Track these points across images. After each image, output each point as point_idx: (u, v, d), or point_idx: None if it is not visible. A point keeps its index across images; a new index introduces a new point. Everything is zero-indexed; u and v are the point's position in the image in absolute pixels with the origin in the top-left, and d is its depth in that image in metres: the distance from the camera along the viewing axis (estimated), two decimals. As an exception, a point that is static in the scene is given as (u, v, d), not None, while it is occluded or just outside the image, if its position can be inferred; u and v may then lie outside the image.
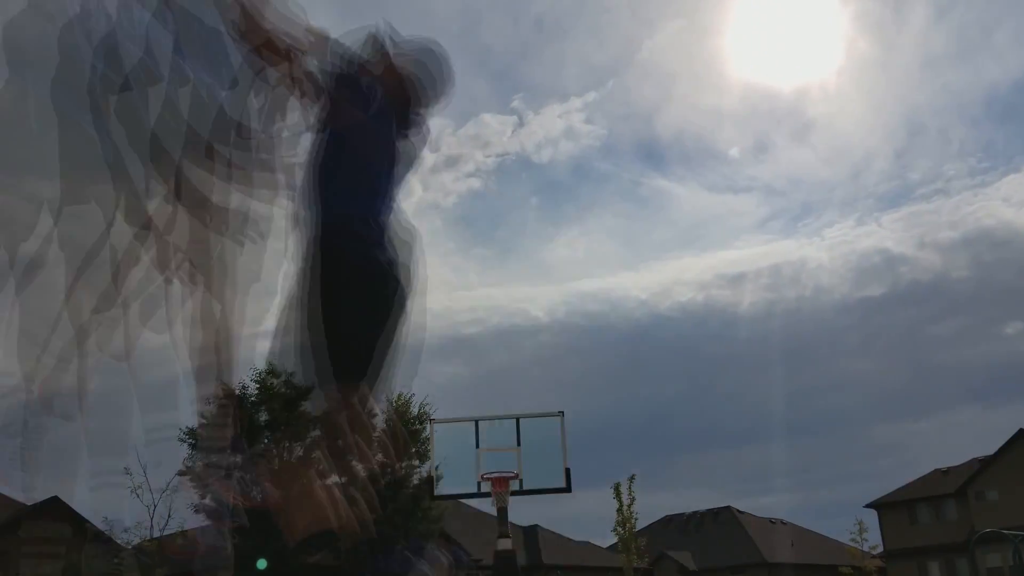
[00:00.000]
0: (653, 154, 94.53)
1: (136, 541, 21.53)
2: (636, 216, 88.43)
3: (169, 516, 21.60)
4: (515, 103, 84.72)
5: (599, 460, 72.55)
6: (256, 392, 25.45)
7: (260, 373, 25.67)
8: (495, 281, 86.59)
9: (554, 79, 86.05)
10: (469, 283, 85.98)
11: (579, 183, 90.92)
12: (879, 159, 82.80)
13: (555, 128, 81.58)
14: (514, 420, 14.66)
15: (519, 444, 14.38)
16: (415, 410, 26.56)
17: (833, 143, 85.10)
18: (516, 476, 14.08)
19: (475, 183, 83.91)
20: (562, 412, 14.62)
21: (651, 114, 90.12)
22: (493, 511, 14.50)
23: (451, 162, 78.93)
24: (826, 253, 74.76)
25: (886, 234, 73.88)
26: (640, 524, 29.89)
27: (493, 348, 79.94)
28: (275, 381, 25.90)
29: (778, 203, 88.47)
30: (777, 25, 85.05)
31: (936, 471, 46.22)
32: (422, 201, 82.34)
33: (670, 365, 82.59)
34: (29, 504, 28.27)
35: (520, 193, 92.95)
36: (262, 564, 22.48)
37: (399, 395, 26.50)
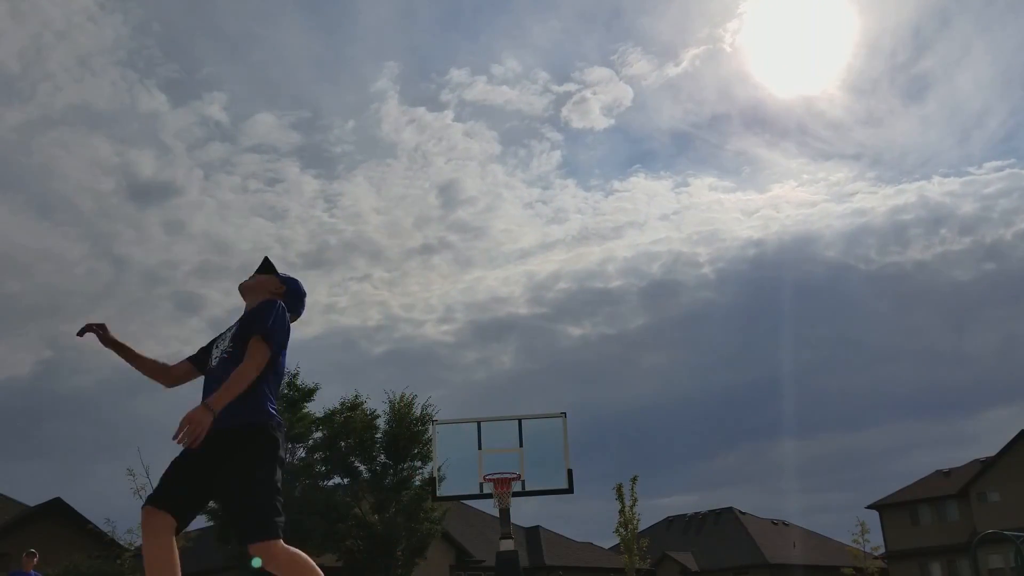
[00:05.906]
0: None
1: (139, 543, 21.48)
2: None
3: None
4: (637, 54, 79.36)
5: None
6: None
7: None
8: (673, 210, 75.71)
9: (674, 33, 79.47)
10: (646, 215, 73.79)
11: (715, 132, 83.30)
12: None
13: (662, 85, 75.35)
14: (516, 421, 14.66)
15: (521, 445, 14.38)
16: (417, 411, 26.32)
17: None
18: (518, 477, 14.08)
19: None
20: (564, 413, 14.63)
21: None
22: (495, 512, 14.51)
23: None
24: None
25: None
26: (642, 525, 29.88)
27: (635, 306, 70.34)
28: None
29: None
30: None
31: (937, 472, 46.18)
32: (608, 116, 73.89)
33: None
34: (32, 505, 28.35)
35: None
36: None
37: (401, 395, 26.40)
